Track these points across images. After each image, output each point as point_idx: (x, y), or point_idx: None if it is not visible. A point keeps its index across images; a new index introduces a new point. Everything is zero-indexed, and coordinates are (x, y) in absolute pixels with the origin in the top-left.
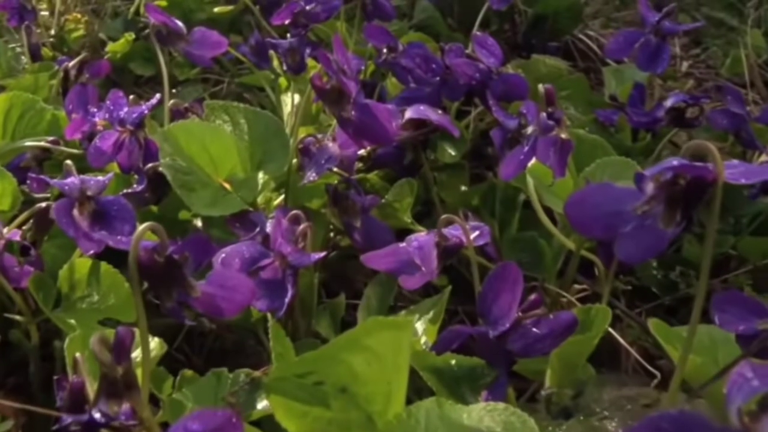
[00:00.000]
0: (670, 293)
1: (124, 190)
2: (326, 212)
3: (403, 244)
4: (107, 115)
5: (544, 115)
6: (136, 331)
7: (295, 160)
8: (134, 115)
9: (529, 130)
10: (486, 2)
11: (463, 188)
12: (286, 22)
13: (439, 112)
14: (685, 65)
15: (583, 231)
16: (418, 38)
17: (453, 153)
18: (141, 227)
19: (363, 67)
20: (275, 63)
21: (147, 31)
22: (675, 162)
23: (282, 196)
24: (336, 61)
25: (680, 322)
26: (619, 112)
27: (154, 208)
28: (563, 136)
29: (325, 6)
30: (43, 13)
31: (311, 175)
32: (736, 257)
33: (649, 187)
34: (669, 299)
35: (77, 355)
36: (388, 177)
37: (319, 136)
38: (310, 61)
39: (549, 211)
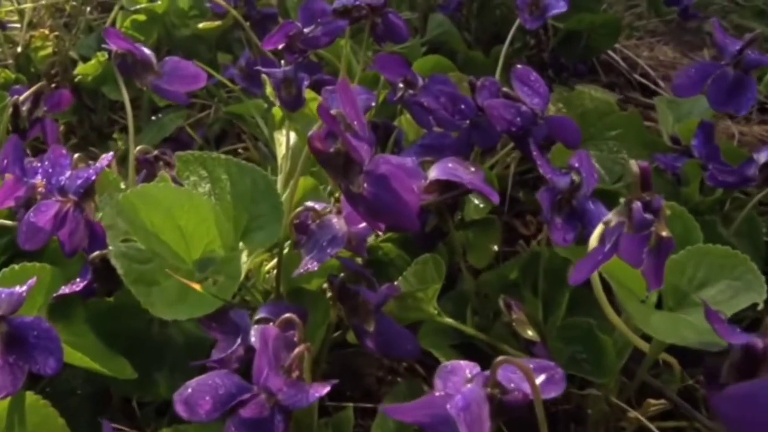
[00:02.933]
0: None
1: (62, 289)
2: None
3: (440, 393)
4: (45, 181)
5: (638, 205)
6: None
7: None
8: (78, 182)
9: (613, 221)
10: (505, 15)
11: (494, 248)
12: (280, 46)
13: (472, 168)
14: None
15: None
16: (435, 62)
17: (481, 206)
18: None
19: (373, 103)
20: (269, 89)
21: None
22: None
23: (274, 261)
24: (342, 116)
25: None
26: (684, 158)
27: (109, 300)
28: (664, 234)
29: (327, 28)
30: (14, 25)
31: (310, 263)
32: None
33: None
34: None
35: None
36: (406, 243)
37: (319, 207)
38: (309, 92)
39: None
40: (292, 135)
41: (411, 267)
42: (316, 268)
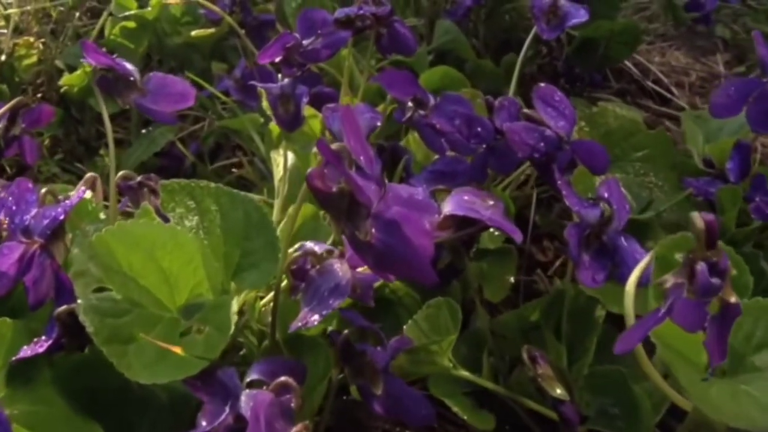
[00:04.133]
0: None
1: (23, 350)
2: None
3: None
4: (8, 219)
5: (703, 267)
6: None
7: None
8: (45, 223)
9: (669, 282)
10: (515, 21)
11: (511, 280)
12: (277, 59)
13: (490, 201)
14: None
15: None
16: (443, 74)
17: (496, 233)
18: None
19: (378, 123)
20: (265, 103)
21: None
22: None
23: (270, 294)
24: (346, 152)
25: None
26: (718, 183)
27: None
28: (732, 300)
29: (328, 40)
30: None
31: (310, 316)
32: None
33: None
34: None
35: None
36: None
37: (319, 248)
38: (308, 110)
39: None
40: (290, 155)
41: (423, 310)
42: (316, 323)
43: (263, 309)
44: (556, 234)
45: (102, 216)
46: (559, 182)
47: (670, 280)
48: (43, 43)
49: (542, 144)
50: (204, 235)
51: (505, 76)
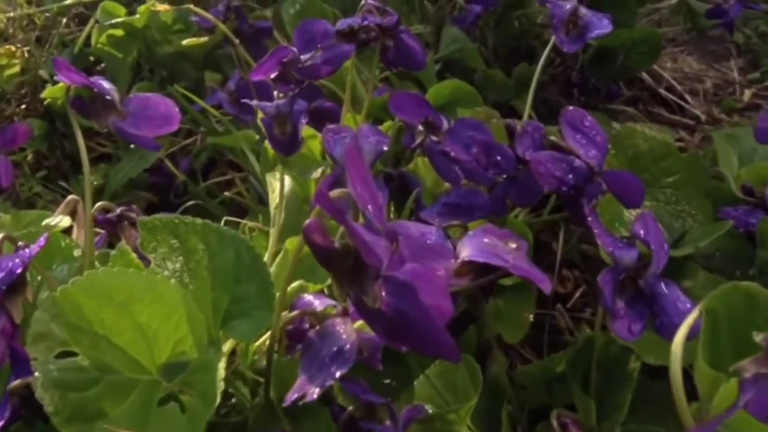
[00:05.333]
0: None
1: None
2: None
3: None
4: None
5: None
6: None
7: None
8: (0, 276)
9: (749, 371)
10: (525, 28)
11: (530, 317)
12: (272, 76)
13: (512, 244)
14: (747, 93)
15: None
16: (453, 88)
17: None
18: None
19: (385, 147)
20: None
21: (101, 66)
22: None
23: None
24: (350, 200)
25: None
26: (759, 212)
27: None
28: None
29: (329, 54)
30: None
31: (309, 388)
32: None
33: None
34: None
35: None
36: None
37: (319, 302)
38: (306, 129)
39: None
40: (288, 179)
41: (436, 365)
42: (315, 396)
43: (258, 352)
44: (576, 261)
45: (76, 253)
46: (590, 219)
47: (749, 368)
48: (28, 52)
49: (571, 176)
50: (189, 278)
51: (516, 87)
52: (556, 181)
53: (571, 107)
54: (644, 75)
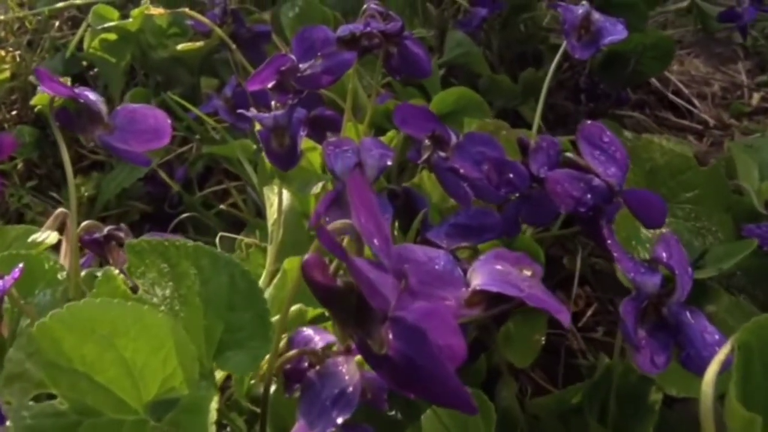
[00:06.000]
0: None
1: None
2: None
3: None
4: None
5: None
6: None
7: (283, 341)
8: None
9: None
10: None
11: (542, 339)
12: (269, 85)
13: (527, 272)
14: (755, 97)
15: None
16: (459, 95)
17: None
18: None
19: (389, 161)
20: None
21: (94, 70)
22: None
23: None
24: (353, 233)
25: None
26: None
27: None
28: None
29: (330, 63)
30: None
31: None
32: None
33: None
34: None
35: None
36: None
37: (320, 338)
38: (306, 141)
39: None
40: (286, 194)
41: None
42: None
43: (254, 376)
44: (587, 277)
45: (61, 276)
46: (609, 242)
47: None
48: (19, 56)
49: (589, 196)
50: (180, 305)
51: (525, 93)
52: (573, 202)
53: (588, 122)
54: (651, 78)
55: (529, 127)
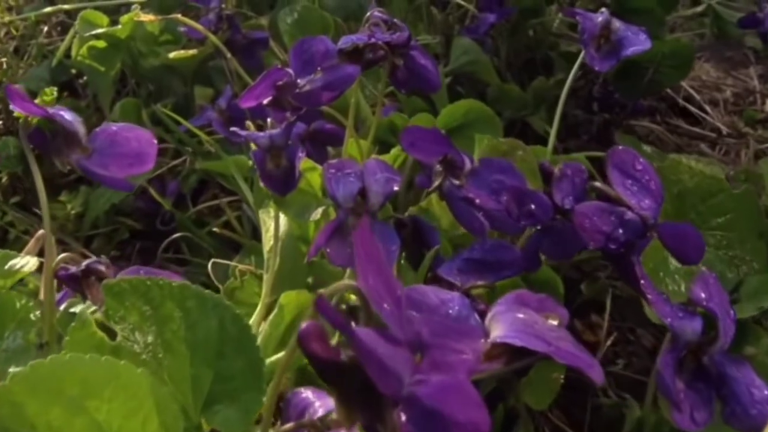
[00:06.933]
0: None
1: None
2: None
3: None
4: None
5: None
6: None
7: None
8: None
9: None
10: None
11: (561, 379)
12: (265, 102)
13: (554, 321)
14: None
15: None
16: (468, 109)
17: None
18: None
19: (396, 187)
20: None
21: (83, 78)
22: None
23: None
24: (359, 296)
25: None
26: None
27: None
28: None
29: (331, 77)
30: None
31: None
32: None
33: None
34: None
35: None
36: None
37: (319, 405)
38: (305, 162)
39: None
40: (283, 219)
41: None
42: None
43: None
44: (604, 303)
45: (34, 316)
46: (642, 282)
47: None
48: (5, 63)
49: (621, 231)
50: (164, 352)
51: (535, 103)
52: (603, 238)
53: (621, 148)
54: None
55: (540, 138)
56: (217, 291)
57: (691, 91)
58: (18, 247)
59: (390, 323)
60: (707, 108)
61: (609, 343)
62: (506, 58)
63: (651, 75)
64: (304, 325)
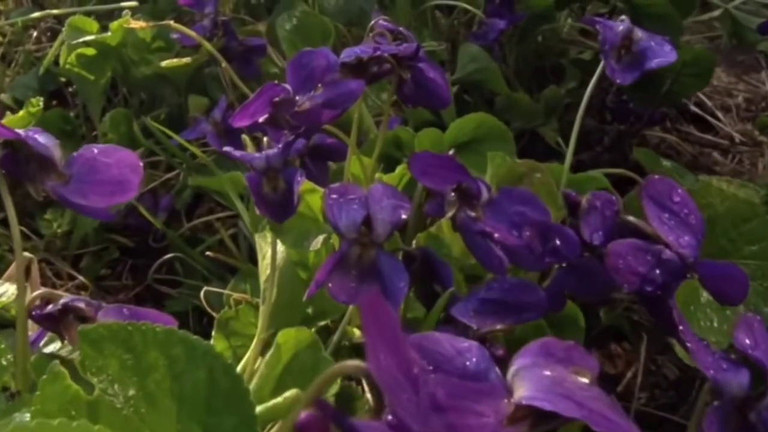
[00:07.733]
0: None
1: None
2: None
3: None
4: None
5: None
6: None
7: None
8: None
9: None
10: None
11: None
12: (260, 120)
13: (584, 379)
14: None
15: None
16: (479, 123)
17: None
18: None
19: (404, 215)
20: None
21: (73, 87)
22: None
23: None
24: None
25: None
26: None
27: None
28: None
29: (332, 93)
30: None
31: None
32: None
33: None
34: None
35: None
36: None
37: None
38: (305, 184)
39: None
40: (281, 248)
41: None
42: None
43: None
44: (624, 332)
45: (5, 361)
46: (682, 328)
47: None
48: None
49: (658, 272)
50: (147, 406)
51: (546, 113)
52: (638, 280)
53: (656, 176)
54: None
55: (550, 148)
56: (211, 316)
57: (702, 97)
58: (3, 266)
59: (406, 417)
60: (719, 114)
61: (629, 374)
62: (515, 65)
63: (669, 85)
64: (300, 416)
